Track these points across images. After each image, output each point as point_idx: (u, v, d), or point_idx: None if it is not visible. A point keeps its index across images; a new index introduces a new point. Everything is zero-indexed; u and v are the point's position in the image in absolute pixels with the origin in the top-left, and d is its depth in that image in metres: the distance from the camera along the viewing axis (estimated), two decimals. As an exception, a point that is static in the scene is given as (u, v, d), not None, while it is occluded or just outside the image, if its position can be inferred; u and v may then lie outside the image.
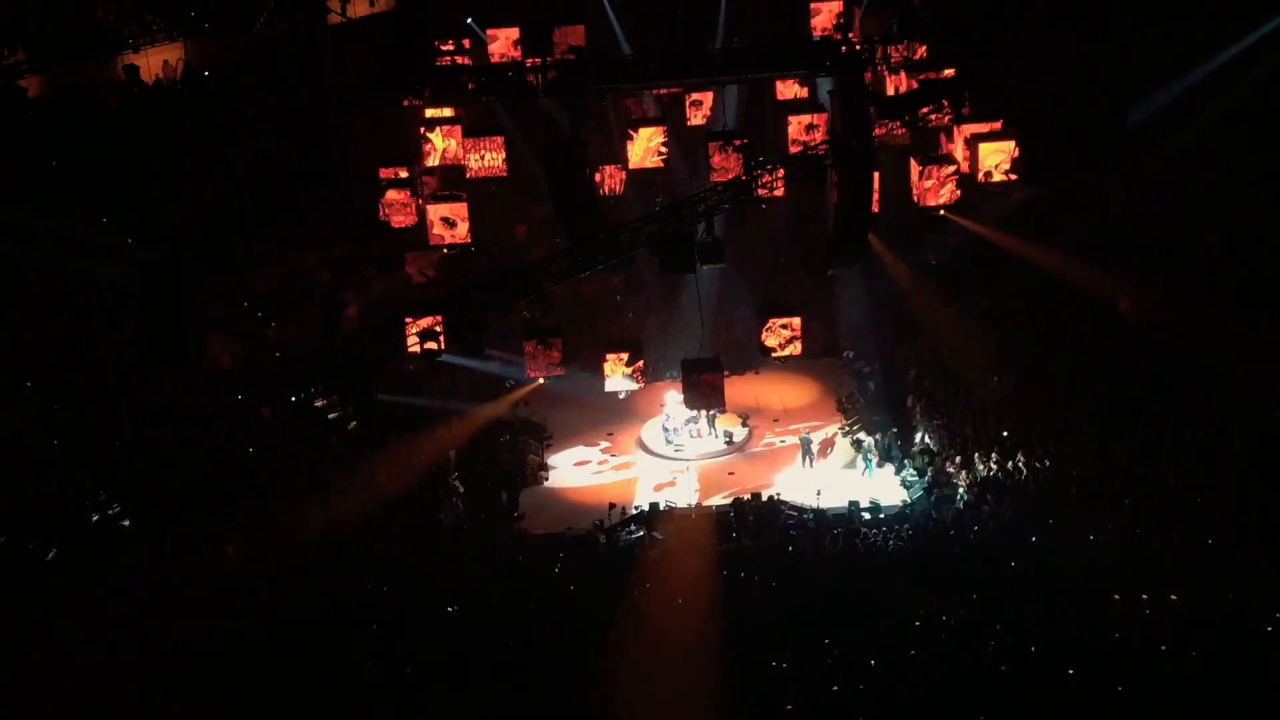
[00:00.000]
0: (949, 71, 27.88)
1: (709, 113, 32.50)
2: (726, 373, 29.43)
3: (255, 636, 21.74)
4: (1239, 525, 22.63)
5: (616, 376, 29.10)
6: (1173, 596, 20.95)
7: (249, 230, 23.57)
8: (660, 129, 29.05)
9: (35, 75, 25.29)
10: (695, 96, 32.26)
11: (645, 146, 29.03)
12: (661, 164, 29.11)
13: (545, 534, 29.90)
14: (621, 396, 30.53)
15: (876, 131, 26.61)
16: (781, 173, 26.92)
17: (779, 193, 27.89)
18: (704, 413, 33.89)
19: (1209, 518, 23.33)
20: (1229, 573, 21.38)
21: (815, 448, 33.55)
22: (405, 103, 30.45)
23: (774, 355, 28.19)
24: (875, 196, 27.33)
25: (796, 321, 27.95)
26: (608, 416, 35.81)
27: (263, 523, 25.74)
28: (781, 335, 28.19)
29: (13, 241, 25.09)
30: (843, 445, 34.49)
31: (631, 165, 29.34)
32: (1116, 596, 21.36)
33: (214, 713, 19.75)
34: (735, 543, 28.13)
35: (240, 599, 22.76)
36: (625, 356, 28.91)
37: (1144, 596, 21.14)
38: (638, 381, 29.41)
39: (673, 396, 34.29)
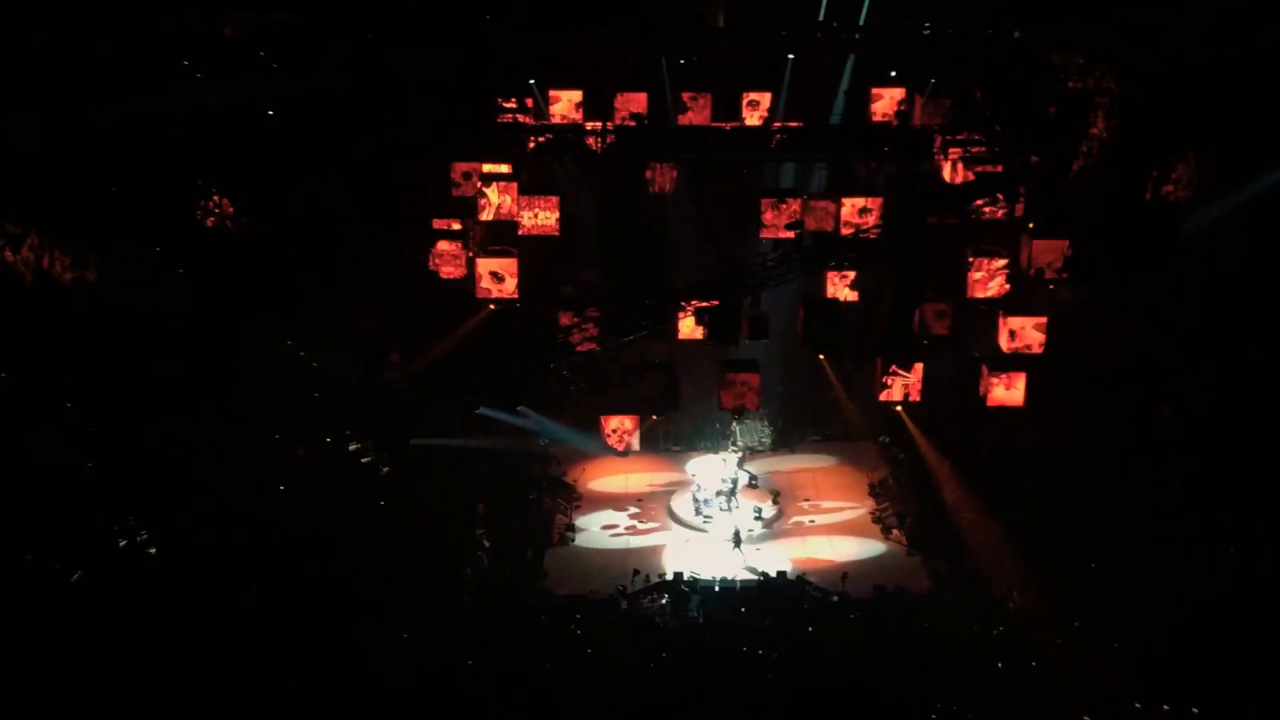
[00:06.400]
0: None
1: (765, 114, 31.17)
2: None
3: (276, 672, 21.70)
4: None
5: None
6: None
7: (299, 271, 23.84)
8: None
9: (102, 105, 25.75)
10: (752, 96, 31.00)
11: None
12: None
13: (568, 595, 29.74)
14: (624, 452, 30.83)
15: (930, 220, 26.70)
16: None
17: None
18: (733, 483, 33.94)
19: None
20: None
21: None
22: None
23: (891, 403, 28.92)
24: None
25: (919, 367, 28.10)
26: (638, 482, 35.91)
27: (287, 563, 25.73)
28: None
29: (65, 265, 25.40)
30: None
31: None
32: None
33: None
34: (758, 620, 27.89)
35: (260, 634, 22.75)
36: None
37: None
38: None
39: (704, 466, 34.22)
